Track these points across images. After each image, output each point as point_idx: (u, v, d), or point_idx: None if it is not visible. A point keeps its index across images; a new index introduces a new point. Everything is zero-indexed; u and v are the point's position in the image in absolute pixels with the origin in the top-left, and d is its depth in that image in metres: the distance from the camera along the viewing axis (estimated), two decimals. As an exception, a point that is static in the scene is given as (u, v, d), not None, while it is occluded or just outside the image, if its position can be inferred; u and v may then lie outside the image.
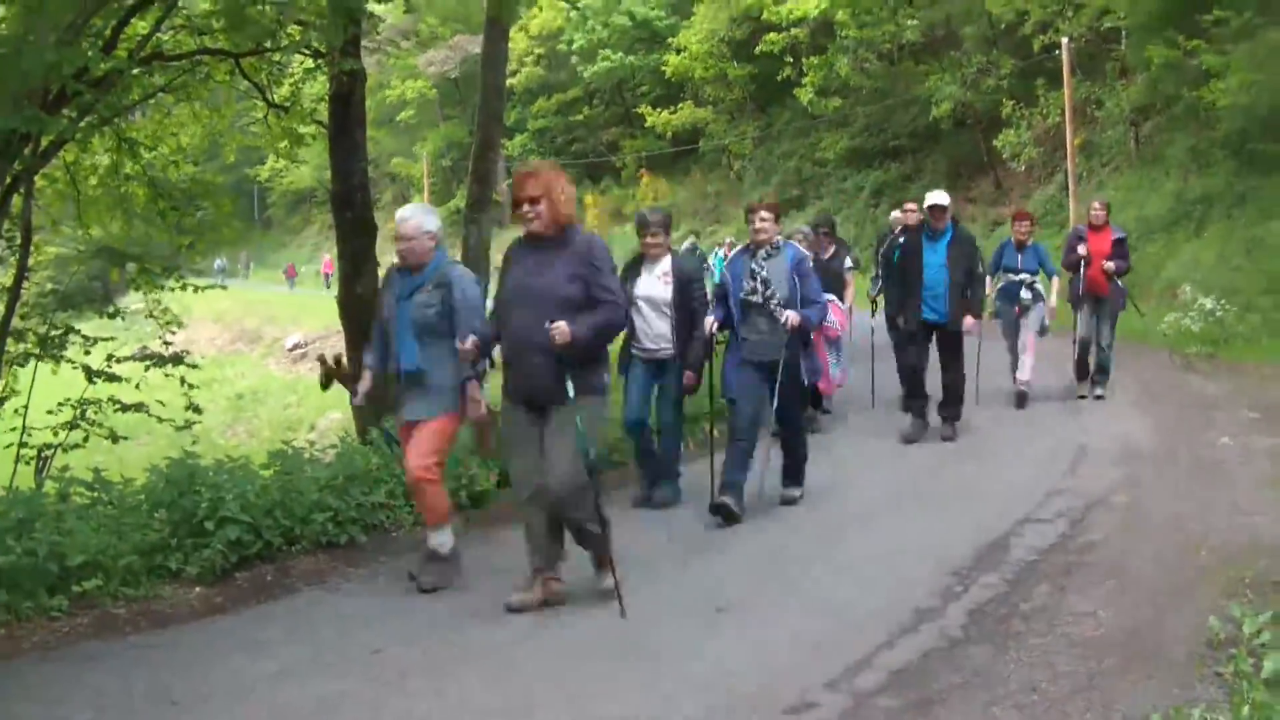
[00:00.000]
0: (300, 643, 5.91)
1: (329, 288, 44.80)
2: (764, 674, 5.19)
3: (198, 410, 12.95)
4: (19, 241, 11.85)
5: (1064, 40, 27.79)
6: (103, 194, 14.48)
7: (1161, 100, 26.60)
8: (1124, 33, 27.95)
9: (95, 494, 7.30)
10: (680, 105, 44.92)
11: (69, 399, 11.92)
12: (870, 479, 9.68)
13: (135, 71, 11.77)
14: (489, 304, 7.10)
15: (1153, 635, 5.41)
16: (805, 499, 8.81)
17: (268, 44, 12.72)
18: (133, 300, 15.97)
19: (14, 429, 11.09)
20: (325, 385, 8.24)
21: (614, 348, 6.98)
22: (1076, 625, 5.61)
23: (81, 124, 11.19)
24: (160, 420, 12.25)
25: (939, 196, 11.06)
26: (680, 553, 7.49)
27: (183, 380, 12.81)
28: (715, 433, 9.33)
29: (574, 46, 48.23)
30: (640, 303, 8.63)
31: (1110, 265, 12.24)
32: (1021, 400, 12.63)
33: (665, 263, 8.75)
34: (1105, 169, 28.88)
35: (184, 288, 13.35)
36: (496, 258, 9.32)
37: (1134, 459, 9.71)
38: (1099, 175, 28.80)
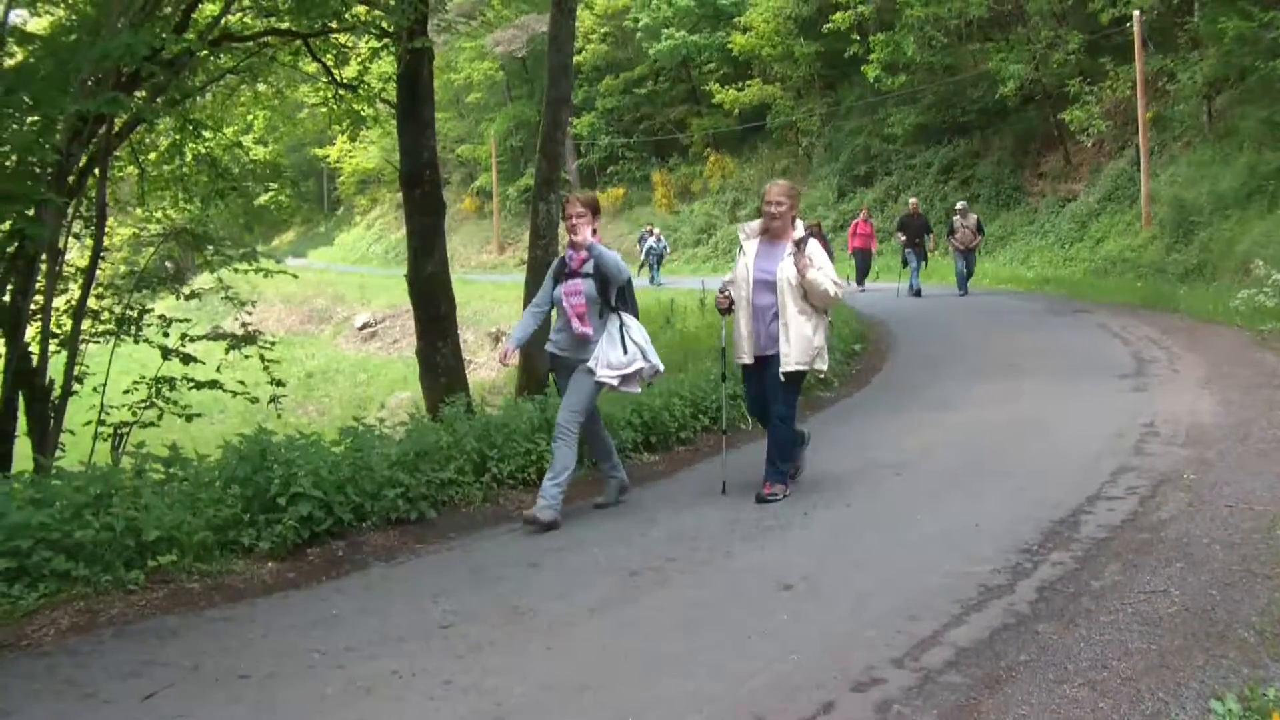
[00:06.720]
0: (371, 617, 5.98)
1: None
2: (831, 650, 5.19)
3: (281, 384, 13.16)
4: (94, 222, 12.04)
5: (1135, 13, 27.38)
6: (167, 174, 14.73)
7: (1235, 73, 26.15)
8: (1196, 4, 27.50)
9: (170, 470, 7.44)
10: (748, 83, 44.73)
11: (144, 377, 12.12)
12: (935, 456, 9.64)
13: (204, 53, 11.94)
14: None
15: (1225, 614, 5.34)
16: (871, 477, 8.84)
17: (334, 24, 12.88)
18: (204, 281, 16.21)
19: (92, 406, 11.28)
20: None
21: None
22: (1148, 603, 5.55)
23: (156, 104, 11.39)
24: (234, 395, 12.44)
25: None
26: (748, 531, 7.51)
27: (262, 357, 13.04)
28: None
29: (639, 25, 48.12)
30: None
31: None
32: None
33: None
34: (1177, 143, 28.44)
35: (257, 271, 13.53)
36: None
37: (1204, 436, 9.57)
38: (1171, 149, 28.38)
